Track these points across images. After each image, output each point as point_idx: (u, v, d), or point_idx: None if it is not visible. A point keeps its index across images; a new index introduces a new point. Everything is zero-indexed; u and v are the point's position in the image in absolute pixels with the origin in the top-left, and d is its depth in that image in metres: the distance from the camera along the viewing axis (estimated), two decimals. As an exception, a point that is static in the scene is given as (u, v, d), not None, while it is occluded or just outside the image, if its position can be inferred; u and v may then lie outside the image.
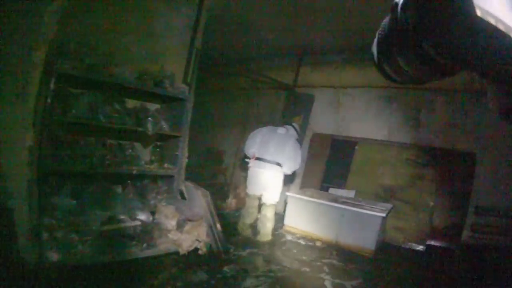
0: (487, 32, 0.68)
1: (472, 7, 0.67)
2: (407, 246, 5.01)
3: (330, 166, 6.33)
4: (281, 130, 4.75)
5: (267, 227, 4.62)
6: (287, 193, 5.21)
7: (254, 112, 7.54)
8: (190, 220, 3.68)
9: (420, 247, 4.91)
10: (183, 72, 4.27)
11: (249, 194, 4.79)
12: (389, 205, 4.93)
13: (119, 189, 3.79)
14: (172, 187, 4.03)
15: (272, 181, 4.57)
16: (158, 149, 4.16)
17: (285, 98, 6.99)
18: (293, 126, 4.90)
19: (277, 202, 4.71)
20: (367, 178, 5.70)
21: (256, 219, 4.77)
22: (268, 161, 4.53)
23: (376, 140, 5.82)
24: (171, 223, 3.54)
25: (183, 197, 4.05)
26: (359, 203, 4.83)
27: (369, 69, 5.36)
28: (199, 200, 3.88)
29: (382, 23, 1.04)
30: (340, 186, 5.96)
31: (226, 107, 8.24)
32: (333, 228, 4.74)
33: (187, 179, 4.19)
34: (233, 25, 5.50)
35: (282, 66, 7.01)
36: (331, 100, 6.45)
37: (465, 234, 4.54)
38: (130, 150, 3.85)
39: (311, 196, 5.03)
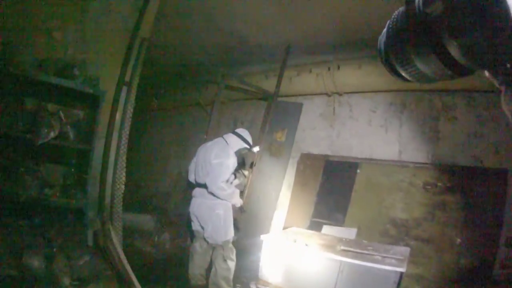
0: None
1: (506, 6, 0.72)
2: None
3: (323, 196, 5.71)
4: (212, 142, 4.48)
5: (220, 282, 4.13)
6: (262, 237, 4.40)
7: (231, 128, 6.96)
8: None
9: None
10: (119, 67, 3.92)
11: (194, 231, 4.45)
12: (405, 249, 4.14)
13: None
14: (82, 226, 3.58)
15: (206, 212, 4.17)
16: (73, 170, 3.82)
17: (266, 110, 6.40)
18: (235, 134, 4.45)
19: (229, 242, 4.20)
20: (373, 211, 5.08)
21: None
22: (198, 184, 4.29)
23: (383, 160, 5.27)
24: (66, 281, 2.94)
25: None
26: (365, 250, 3.98)
27: (371, 69, 5.01)
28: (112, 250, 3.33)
29: (394, 14, 1.05)
30: (337, 222, 5.32)
31: (194, 124, 7.90)
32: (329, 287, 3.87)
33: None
34: (198, 17, 5.14)
35: (262, 72, 6.63)
36: (323, 111, 6.02)
37: (495, 272, 4.13)
38: (22, 169, 3.36)
39: (295, 240, 4.18)
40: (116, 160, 3.89)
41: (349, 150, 5.65)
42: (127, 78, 3.92)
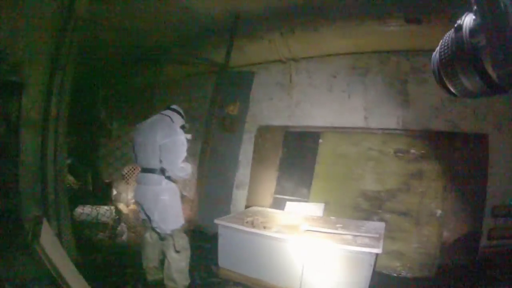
0: None
1: None
2: (409, 275, 4.07)
3: (285, 170, 5.38)
4: (151, 119, 4.04)
5: (174, 276, 3.78)
6: (216, 221, 4.05)
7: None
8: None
9: (427, 273, 4.04)
10: (53, 50, 3.59)
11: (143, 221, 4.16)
12: (380, 225, 3.87)
13: None
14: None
15: (150, 199, 3.79)
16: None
17: (216, 83, 5.98)
18: (172, 109, 4.12)
19: (179, 230, 3.82)
20: (341, 184, 4.79)
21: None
22: (144, 170, 3.88)
23: (348, 128, 4.95)
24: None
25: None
26: (334, 229, 3.63)
27: (329, 31, 4.65)
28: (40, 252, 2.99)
29: (445, 37, 1.17)
30: (302, 198, 5.01)
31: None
32: (295, 274, 3.46)
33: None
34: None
35: (210, 44, 6.02)
36: (279, 80, 5.62)
37: (482, 244, 4.02)
38: None
39: (253, 223, 3.78)
40: (55, 152, 3.60)
41: (310, 119, 5.32)
42: (62, 62, 3.58)
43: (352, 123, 4.94)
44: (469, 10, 1.04)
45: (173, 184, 3.83)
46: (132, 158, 4.29)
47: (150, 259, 3.98)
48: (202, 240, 5.00)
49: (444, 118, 4.37)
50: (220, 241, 3.96)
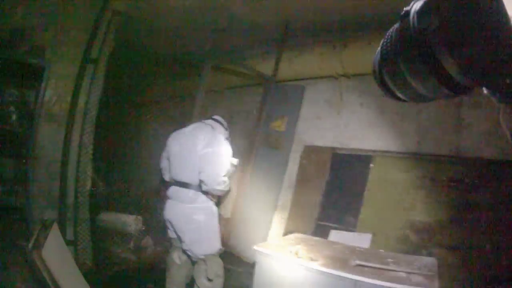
0: None
1: (505, 16, 0.76)
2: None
3: (331, 195, 5.50)
4: (190, 127, 4.06)
5: None
6: (255, 247, 3.68)
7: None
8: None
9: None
10: (85, 41, 3.86)
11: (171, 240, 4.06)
12: (432, 261, 3.78)
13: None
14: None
15: (182, 218, 3.77)
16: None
17: (263, 95, 6.29)
18: (214, 119, 4.20)
19: (214, 255, 3.80)
20: (390, 213, 4.86)
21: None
22: (176, 183, 3.86)
23: (400, 153, 5.03)
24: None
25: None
26: (385, 264, 3.54)
27: None
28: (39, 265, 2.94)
29: (388, 32, 1.11)
30: (348, 226, 5.10)
31: (184, 116, 7.58)
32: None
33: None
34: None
35: (259, 55, 6.39)
36: (328, 97, 5.79)
37: None
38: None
39: (297, 253, 3.56)
40: (79, 151, 3.78)
41: (360, 141, 5.42)
42: (93, 56, 3.82)
43: (404, 148, 5.01)
44: None
45: (210, 203, 3.79)
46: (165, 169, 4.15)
47: (175, 282, 3.90)
48: (234, 263, 5.17)
49: (496, 144, 4.35)
50: (257, 270, 3.69)
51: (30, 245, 2.75)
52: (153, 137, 7.99)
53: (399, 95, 1.16)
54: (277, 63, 5.88)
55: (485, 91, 0.98)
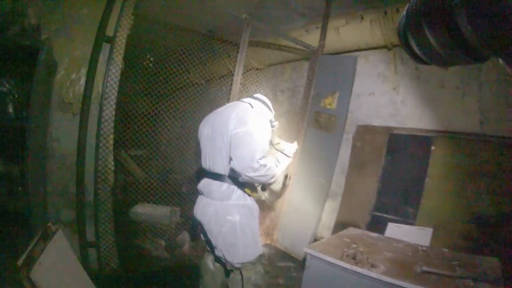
0: None
1: None
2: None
3: (388, 182, 5.38)
4: (225, 106, 3.62)
5: None
6: (306, 249, 3.40)
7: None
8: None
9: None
10: (98, 17, 3.71)
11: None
12: (495, 262, 3.58)
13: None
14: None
15: (213, 218, 3.31)
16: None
17: (309, 69, 6.14)
18: (258, 99, 3.69)
19: (252, 263, 3.36)
20: (452, 204, 4.68)
21: None
22: (209, 175, 3.39)
23: (463, 134, 4.79)
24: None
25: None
26: (451, 270, 3.29)
27: None
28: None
29: (411, 1, 1.31)
30: (407, 218, 5.00)
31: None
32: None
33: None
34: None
35: (301, 27, 6.34)
36: (381, 71, 5.65)
37: None
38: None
39: (359, 258, 3.27)
40: (97, 141, 3.62)
41: (419, 120, 5.25)
42: (109, 33, 3.68)
43: (466, 128, 4.78)
44: None
45: (249, 199, 3.33)
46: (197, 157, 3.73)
47: None
48: (280, 259, 5.22)
49: None
50: (307, 273, 3.47)
51: (20, 261, 2.34)
52: (191, 122, 8.14)
53: (418, 51, 1.32)
54: (323, 33, 5.73)
55: (500, 61, 1.07)
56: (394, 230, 4.72)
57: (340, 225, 5.33)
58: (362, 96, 5.82)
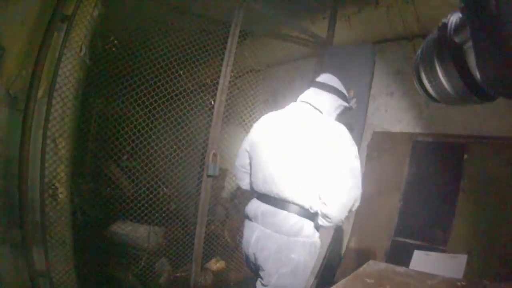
0: None
1: None
2: None
3: (412, 199, 5.22)
4: (289, 114, 3.29)
5: None
6: None
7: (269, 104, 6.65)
8: None
9: None
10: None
11: None
12: None
13: None
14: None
15: (273, 253, 3.11)
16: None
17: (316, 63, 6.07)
18: (323, 86, 3.39)
19: None
20: (488, 225, 4.55)
21: None
22: (269, 200, 3.18)
23: (497, 138, 4.72)
24: None
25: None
26: None
27: None
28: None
29: (427, 38, 1.51)
30: (436, 243, 4.83)
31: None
32: None
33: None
34: None
35: (305, 18, 6.32)
36: (401, 67, 5.59)
37: None
38: None
39: None
40: (43, 147, 3.41)
41: (447, 124, 5.16)
42: (67, 12, 3.53)
43: (501, 132, 4.70)
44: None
45: (317, 235, 3.21)
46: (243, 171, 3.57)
47: None
48: None
49: None
50: None
51: None
52: (187, 131, 8.15)
53: (431, 91, 1.47)
54: (331, 21, 5.73)
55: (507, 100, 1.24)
56: (422, 259, 4.65)
57: (352, 253, 5.24)
58: (379, 97, 5.76)
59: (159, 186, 7.00)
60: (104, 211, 5.14)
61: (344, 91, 3.42)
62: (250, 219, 3.32)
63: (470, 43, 1.17)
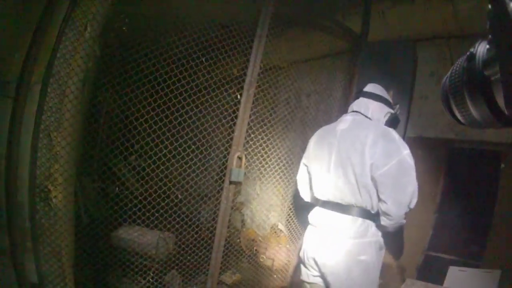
0: None
1: None
2: None
3: (447, 211, 5.21)
4: (347, 121, 3.73)
5: None
6: None
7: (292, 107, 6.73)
8: None
9: None
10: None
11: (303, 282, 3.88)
12: None
13: None
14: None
15: (340, 260, 3.44)
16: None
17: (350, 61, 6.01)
18: (371, 96, 3.91)
19: None
20: None
21: None
22: (332, 206, 3.62)
23: None
24: None
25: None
26: None
27: None
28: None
29: (453, 69, 1.57)
30: (471, 258, 4.86)
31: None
32: None
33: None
34: None
35: (336, 13, 6.28)
36: (436, 68, 5.49)
37: None
38: None
39: None
40: (33, 141, 3.24)
41: (483, 130, 4.96)
42: None
43: None
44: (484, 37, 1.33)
45: (380, 234, 3.58)
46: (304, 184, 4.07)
47: None
48: None
49: None
50: None
51: None
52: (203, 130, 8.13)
53: (460, 118, 1.55)
54: (366, 15, 5.69)
55: None
56: (457, 275, 4.67)
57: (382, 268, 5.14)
58: (414, 100, 5.74)
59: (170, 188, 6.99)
60: (110, 213, 5.01)
61: (389, 99, 3.93)
62: (314, 226, 3.73)
63: (497, 76, 1.20)
